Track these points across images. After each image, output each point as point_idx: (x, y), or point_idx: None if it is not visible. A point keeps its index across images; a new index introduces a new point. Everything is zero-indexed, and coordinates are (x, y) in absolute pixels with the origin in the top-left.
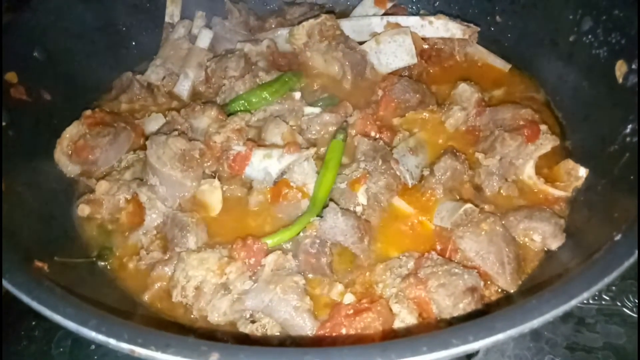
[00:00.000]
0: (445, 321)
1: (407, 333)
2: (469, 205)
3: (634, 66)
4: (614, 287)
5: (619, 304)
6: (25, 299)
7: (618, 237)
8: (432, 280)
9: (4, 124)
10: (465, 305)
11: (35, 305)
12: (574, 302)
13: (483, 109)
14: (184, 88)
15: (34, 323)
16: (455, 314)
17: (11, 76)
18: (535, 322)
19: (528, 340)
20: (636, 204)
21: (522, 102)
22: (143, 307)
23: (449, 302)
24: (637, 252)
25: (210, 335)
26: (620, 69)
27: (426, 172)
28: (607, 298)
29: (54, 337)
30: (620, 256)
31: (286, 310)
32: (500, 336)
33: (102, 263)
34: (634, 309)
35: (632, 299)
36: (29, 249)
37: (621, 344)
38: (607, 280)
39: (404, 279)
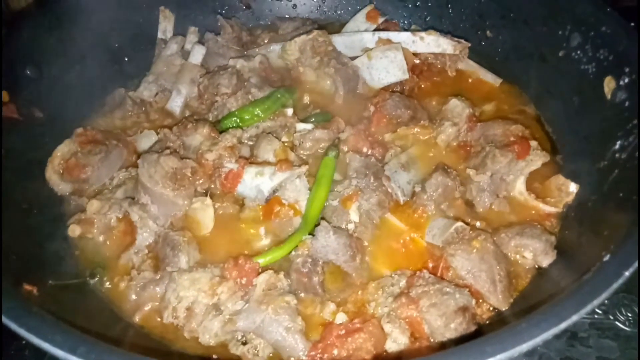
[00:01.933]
0: (438, 343)
1: (399, 356)
2: (459, 224)
3: (622, 83)
4: (606, 301)
5: (611, 317)
6: (13, 326)
7: (607, 258)
8: (423, 300)
9: None
10: (456, 325)
11: (23, 332)
12: (563, 325)
13: (474, 124)
14: (176, 104)
15: (24, 342)
16: (447, 334)
17: (3, 95)
18: (525, 346)
19: (522, 355)
20: (625, 221)
21: (513, 116)
22: (134, 329)
23: (441, 323)
24: (625, 273)
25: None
26: (609, 85)
27: (418, 189)
28: (600, 312)
29: (44, 357)
30: (608, 277)
31: (278, 331)
32: None
33: (95, 280)
34: (627, 323)
35: (624, 313)
36: (18, 271)
37: (614, 359)
38: (596, 302)
39: (396, 299)
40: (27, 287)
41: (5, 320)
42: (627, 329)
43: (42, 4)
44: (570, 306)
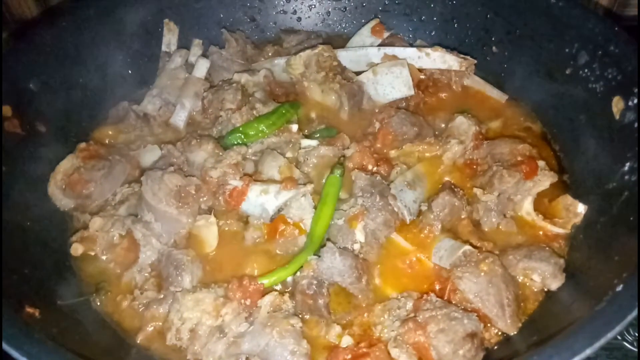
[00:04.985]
0: None
1: None
2: (467, 247)
3: (630, 103)
4: None
5: (619, 337)
6: (15, 354)
7: (619, 288)
8: (431, 325)
9: None
10: (465, 352)
11: None
12: (576, 359)
13: (480, 142)
14: (180, 119)
15: None
16: None
17: (5, 110)
18: None
19: None
20: (636, 247)
21: (519, 133)
22: (136, 350)
23: (449, 349)
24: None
25: None
26: (617, 105)
27: (424, 207)
28: None
29: None
30: (622, 309)
31: (283, 355)
32: None
33: (100, 296)
34: (635, 343)
35: (632, 333)
36: (19, 293)
37: None
38: (610, 335)
39: (402, 324)
40: (29, 309)
41: (7, 348)
42: (634, 349)
43: (47, 17)
44: (583, 339)
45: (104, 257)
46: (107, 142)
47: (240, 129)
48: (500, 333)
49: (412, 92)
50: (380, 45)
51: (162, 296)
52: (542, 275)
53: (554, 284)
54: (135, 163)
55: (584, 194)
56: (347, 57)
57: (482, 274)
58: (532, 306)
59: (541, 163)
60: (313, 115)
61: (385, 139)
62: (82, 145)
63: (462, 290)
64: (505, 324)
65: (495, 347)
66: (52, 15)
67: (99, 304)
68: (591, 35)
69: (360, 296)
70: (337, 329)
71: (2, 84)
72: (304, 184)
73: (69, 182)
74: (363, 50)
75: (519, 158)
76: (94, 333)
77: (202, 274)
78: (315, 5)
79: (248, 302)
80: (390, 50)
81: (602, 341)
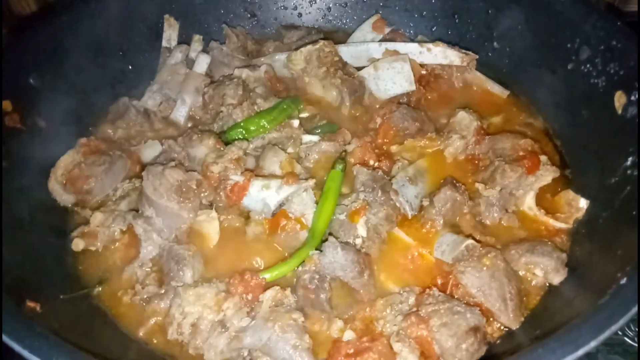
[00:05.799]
0: None
1: None
2: (470, 242)
3: (633, 98)
4: None
5: (620, 333)
6: (17, 347)
7: (623, 281)
8: (434, 319)
9: None
10: (468, 346)
11: (26, 354)
12: (580, 352)
13: (482, 137)
14: (180, 114)
15: None
16: (458, 355)
17: (6, 104)
18: None
19: None
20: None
21: (521, 128)
22: (138, 344)
23: (452, 343)
24: None
25: None
26: (620, 100)
27: (426, 203)
28: None
29: None
30: (626, 302)
31: (285, 349)
32: None
33: (101, 289)
34: (636, 339)
35: (633, 328)
36: (21, 287)
37: None
38: (614, 328)
39: (405, 318)
40: (30, 304)
41: (9, 341)
42: (635, 344)
43: (46, 12)
44: (588, 332)
45: (104, 253)
46: (107, 137)
47: (242, 124)
48: (502, 327)
49: (413, 87)
50: (381, 40)
51: (163, 291)
52: (545, 270)
53: (556, 279)
54: (136, 158)
55: (586, 189)
56: (348, 52)
57: (485, 268)
58: (534, 301)
59: (543, 158)
60: (314, 110)
61: (387, 134)
62: (83, 140)
63: (465, 284)
64: (508, 318)
65: (498, 342)
66: (52, 10)
67: (100, 298)
68: (593, 30)
69: (362, 291)
70: (339, 323)
71: (2, 79)
72: (306, 179)
73: (69, 177)
74: (364, 46)
75: (521, 153)
76: (95, 327)
77: (204, 269)
78: (315, 0)
79: (250, 296)
80: (391, 46)
81: (606, 334)
